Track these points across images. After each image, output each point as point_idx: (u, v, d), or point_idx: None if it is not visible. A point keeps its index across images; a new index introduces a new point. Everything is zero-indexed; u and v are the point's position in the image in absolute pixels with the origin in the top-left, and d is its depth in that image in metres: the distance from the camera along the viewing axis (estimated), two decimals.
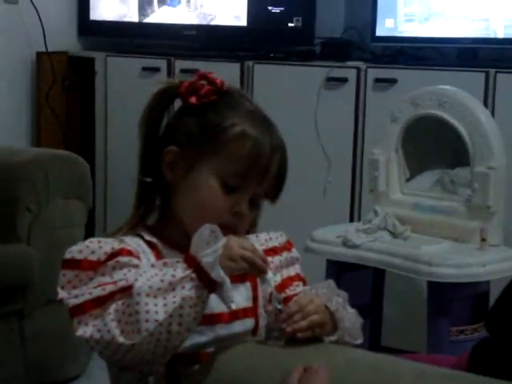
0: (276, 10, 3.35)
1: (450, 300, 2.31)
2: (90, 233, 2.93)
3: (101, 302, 1.19)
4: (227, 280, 1.18)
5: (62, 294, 1.23)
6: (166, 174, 1.33)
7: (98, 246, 1.25)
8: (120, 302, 1.18)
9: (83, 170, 2.74)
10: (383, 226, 2.46)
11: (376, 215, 2.48)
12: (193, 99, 1.32)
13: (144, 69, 3.48)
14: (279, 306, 1.27)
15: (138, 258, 1.26)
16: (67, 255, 1.25)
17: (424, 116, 2.49)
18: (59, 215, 2.65)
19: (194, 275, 1.17)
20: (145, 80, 3.48)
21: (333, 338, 1.28)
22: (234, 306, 1.21)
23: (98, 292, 1.20)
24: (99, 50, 3.69)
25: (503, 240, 2.40)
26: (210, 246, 1.19)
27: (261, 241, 1.38)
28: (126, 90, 3.55)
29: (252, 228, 1.38)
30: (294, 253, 1.41)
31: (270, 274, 1.28)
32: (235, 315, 1.30)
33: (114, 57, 3.58)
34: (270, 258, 1.33)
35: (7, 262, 2.48)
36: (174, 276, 1.17)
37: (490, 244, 2.34)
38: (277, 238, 1.41)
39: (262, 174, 1.30)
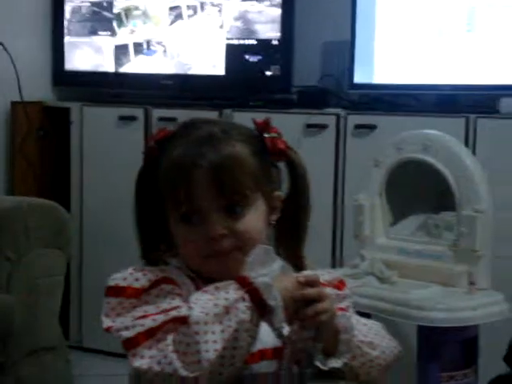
0: (253, 58, 3.36)
1: (440, 345, 2.29)
2: (66, 282, 2.88)
3: (153, 333, 1.16)
4: (280, 304, 1.15)
5: (106, 322, 1.21)
6: None
7: (141, 274, 1.23)
8: (177, 333, 1.15)
9: (63, 220, 2.70)
10: (370, 270, 2.44)
11: (362, 260, 2.47)
12: None
13: (121, 118, 3.46)
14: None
15: (180, 288, 1.24)
16: (111, 282, 1.23)
17: (407, 160, 2.49)
18: (39, 264, 2.60)
19: (246, 295, 1.15)
20: (122, 129, 3.46)
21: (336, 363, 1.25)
22: (284, 332, 1.17)
23: (150, 323, 1.17)
24: (74, 99, 3.66)
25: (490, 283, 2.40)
26: (265, 266, 1.18)
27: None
28: (102, 140, 3.52)
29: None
30: (344, 291, 1.35)
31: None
32: (263, 355, 1.25)
33: (90, 106, 3.56)
34: None
35: None
36: (227, 299, 1.15)
37: (478, 288, 2.33)
38: (322, 275, 1.33)
39: (187, 190, 1.23)
